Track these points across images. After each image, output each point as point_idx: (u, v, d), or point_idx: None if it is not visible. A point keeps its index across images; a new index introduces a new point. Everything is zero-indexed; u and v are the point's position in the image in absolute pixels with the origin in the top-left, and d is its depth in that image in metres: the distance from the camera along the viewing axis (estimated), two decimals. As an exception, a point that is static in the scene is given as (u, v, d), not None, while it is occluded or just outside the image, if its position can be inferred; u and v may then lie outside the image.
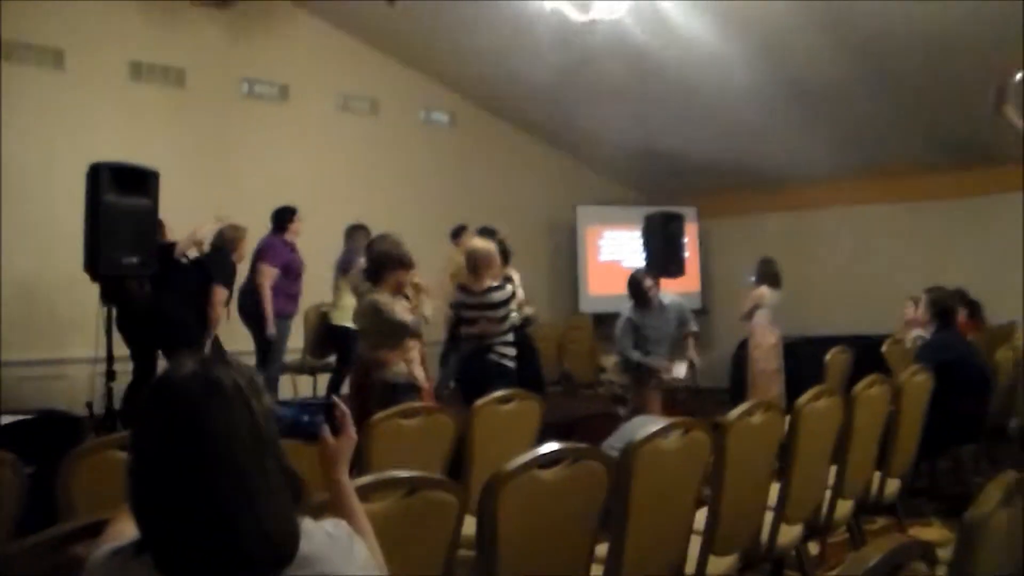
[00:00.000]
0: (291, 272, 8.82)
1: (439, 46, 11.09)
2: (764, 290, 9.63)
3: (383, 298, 6.03)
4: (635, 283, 8.36)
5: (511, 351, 6.89)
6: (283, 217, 8.92)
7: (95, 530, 1.92)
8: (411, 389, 6.19)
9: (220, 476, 1.64)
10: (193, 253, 8.27)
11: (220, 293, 8.00)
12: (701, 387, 11.07)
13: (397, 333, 6.15)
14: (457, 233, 10.09)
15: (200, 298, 8.00)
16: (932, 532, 5.96)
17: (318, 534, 1.77)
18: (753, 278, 9.83)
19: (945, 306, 6.93)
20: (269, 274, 8.64)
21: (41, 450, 3.87)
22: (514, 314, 7.02)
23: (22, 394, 8.42)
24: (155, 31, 9.80)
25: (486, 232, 8.48)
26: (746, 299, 9.79)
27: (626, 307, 8.44)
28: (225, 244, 8.20)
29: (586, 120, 12.02)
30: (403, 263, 6.14)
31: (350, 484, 2.12)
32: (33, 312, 8.88)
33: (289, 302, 8.79)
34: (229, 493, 1.64)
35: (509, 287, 6.92)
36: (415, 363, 6.31)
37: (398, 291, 6.13)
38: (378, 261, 6.13)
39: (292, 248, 8.90)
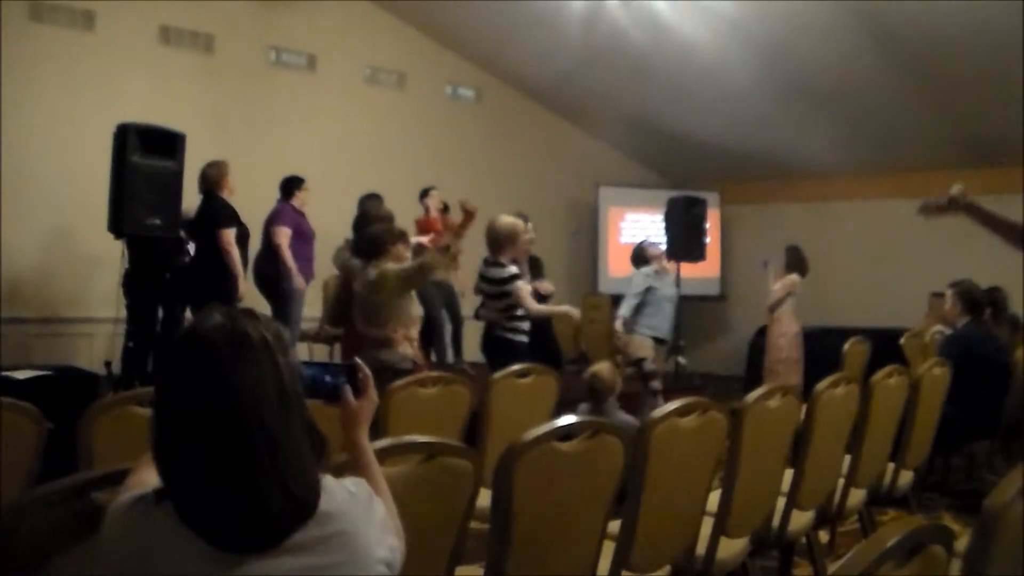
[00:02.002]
0: (301, 235, 8.89)
1: (467, 22, 11.07)
2: (795, 277, 9.60)
3: (388, 265, 6.06)
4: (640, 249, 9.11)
5: (521, 325, 6.87)
6: (291, 186, 9.00)
7: (116, 478, 1.93)
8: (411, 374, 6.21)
9: (243, 429, 1.65)
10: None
11: (226, 235, 7.72)
12: (717, 374, 11.11)
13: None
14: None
15: (215, 252, 7.78)
16: (943, 527, 5.94)
17: (339, 491, 1.78)
18: (765, 263, 9.81)
19: (975, 299, 6.91)
20: (284, 234, 8.71)
21: (58, 406, 3.88)
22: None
23: (43, 351, 8.50)
24: (186, -5, 9.81)
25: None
26: (775, 285, 9.70)
27: (642, 272, 8.96)
28: (211, 186, 7.91)
29: (611, 101, 11.98)
30: (403, 237, 6.24)
31: (369, 446, 2.12)
32: (56, 271, 8.93)
33: (304, 265, 8.81)
34: (252, 446, 1.65)
35: (511, 268, 6.88)
36: (416, 342, 6.33)
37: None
38: (377, 240, 6.15)
39: (301, 214, 8.98)
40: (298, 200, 9.00)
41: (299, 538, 1.68)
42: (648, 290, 8.83)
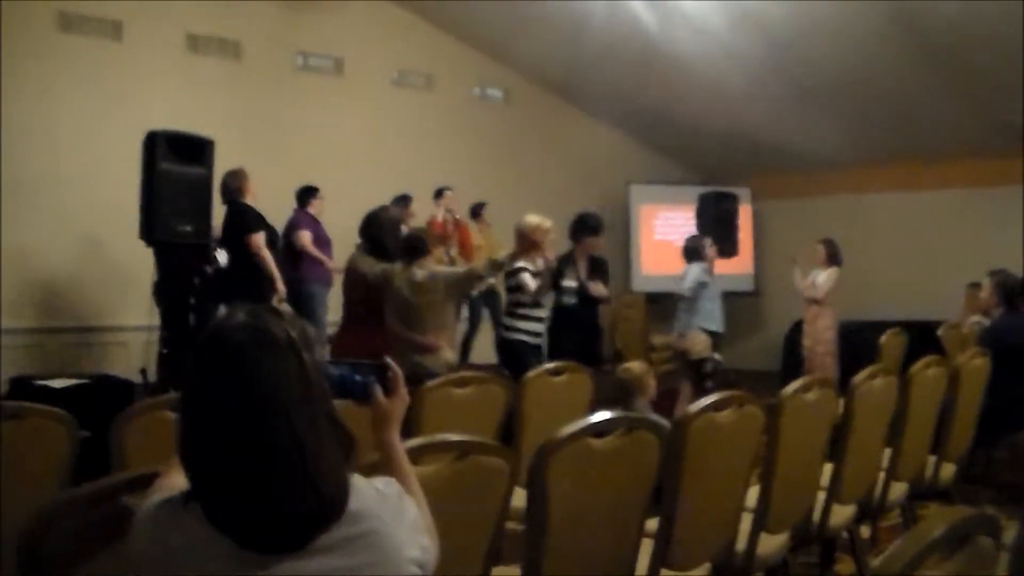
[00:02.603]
0: (319, 242, 9.04)
1: (495, 22, 11.06)
2: (836, 270, 9.59)
3: (439, 268, 6.05)
4: (698, 244, 8.99)
5: (524, 325, 6.96)
6: (306, 195, 9.18)
7: (145, 482, 1.92)
8: None
9: (269, 427, 1.63)
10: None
11: (255, 239, 7.71)
12: (752, 370, 11.04)
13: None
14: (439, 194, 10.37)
15: (247, 258, 7.79)
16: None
17: (368, 491, 1.75)
18: (793, 259, 9.82)
19: (1012, 289, 6.83)
20: (306, 237, 8.91)
21: (95, 414, 3.88)
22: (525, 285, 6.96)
23: (80, 360, 8.56)
24: (212, 3, 9.85)
25: None
26: (819, 278, 9.67)
27: (697, 266, 8.86)
28: (234, 193, 7.88)
29: (641, 98, 11.93)
30: (442, 239, 6.27)
31: (401, 446, 2.09)
32: (89, 280, 8.99)
33: (323, 271, 8.88)
34: (278, 445, 1.62)
35: (521, 262, 6.87)
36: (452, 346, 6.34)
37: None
38: (415, 243, 6.11)
39: (316, 221, 9.15)
40: (314, 208, 9.17)
41: (328, 538, 1.65)
42: (702, 285, 8.82)
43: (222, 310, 7.58)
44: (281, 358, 1.67)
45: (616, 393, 5.42)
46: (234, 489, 1.62)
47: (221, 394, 1.64)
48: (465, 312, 10.42)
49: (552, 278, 7.24)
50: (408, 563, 1.75)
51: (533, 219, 6.91)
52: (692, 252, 9.07)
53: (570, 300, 7.42)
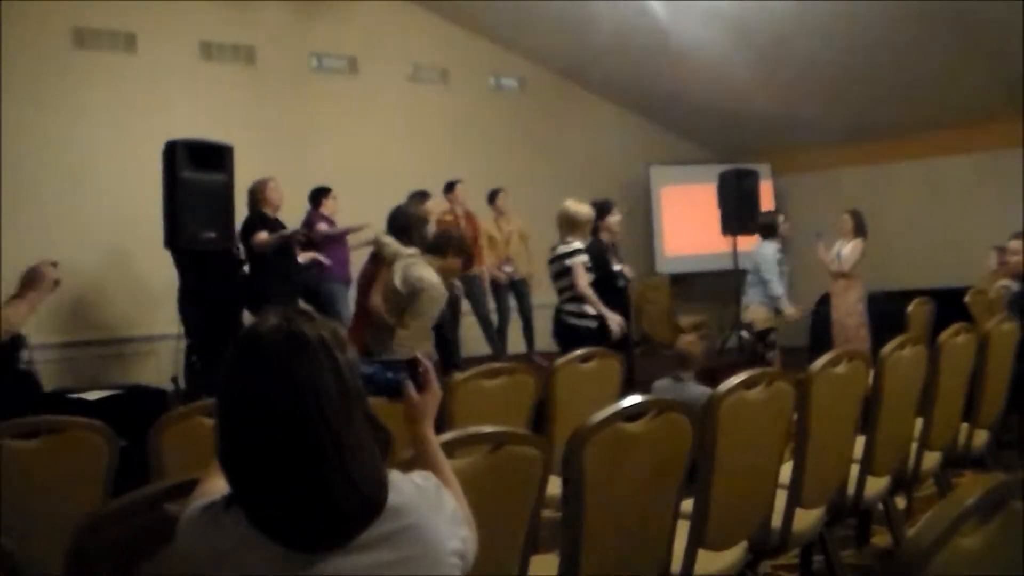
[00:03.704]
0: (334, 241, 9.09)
1: (507, 12, 11.04)
2: (861, 241, 9.58)
3: (435, 282, 6.11)
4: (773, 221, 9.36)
5: (576, 307, 6.97)
6: (318, 195, 9.17)
7: (187, 489, 1.95)
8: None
9: (307, 428, 1.65)
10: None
11: (257, 237, 7.90)
12: (781, 346, 11.02)
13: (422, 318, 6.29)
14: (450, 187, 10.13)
15: (263, 261, 7.98)
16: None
17: (407, 486, 1.77)
18: (818, 233, 9.83)
19: None
20: (322, 227, 8.93)
21: (130, 424, 3.93)
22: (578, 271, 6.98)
23: (111, 371, 8.62)
24: (224, 10, 9.87)
25: None
26: (845, 250, 9.65)
27: (771, 246, 9.12)
28: (253, 203, 8.15)
29: (657, 79, 11.88)
30: (460, 252, 6.31)
31: (435, 440, 2.12)
32: (116, 290, 9.04)
33: (338, 265, 8.89)
34: (317, 445, 1.65)
35: (576, 244, 7.00)
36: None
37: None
38: (440, 242, 6.16)
39: (330, 220, 9.13)
40: (327, 208, 9.17)
41: (370, 534, 1.68)
42: (780, 263, 8.99)
43: (247, 315, 7.73)
44: (316, 359, 1.70)
45: (676, 362, 5.76)
46: (275, 490, 1.65)
47: (258, 397, 1.67)
48: (492, 304, 10.39)
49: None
50: (449, 555, 1.77)
51: (584, 207, 6.98)
52: (768, 228, 9.13)
53: (623, 283, 7.57)
